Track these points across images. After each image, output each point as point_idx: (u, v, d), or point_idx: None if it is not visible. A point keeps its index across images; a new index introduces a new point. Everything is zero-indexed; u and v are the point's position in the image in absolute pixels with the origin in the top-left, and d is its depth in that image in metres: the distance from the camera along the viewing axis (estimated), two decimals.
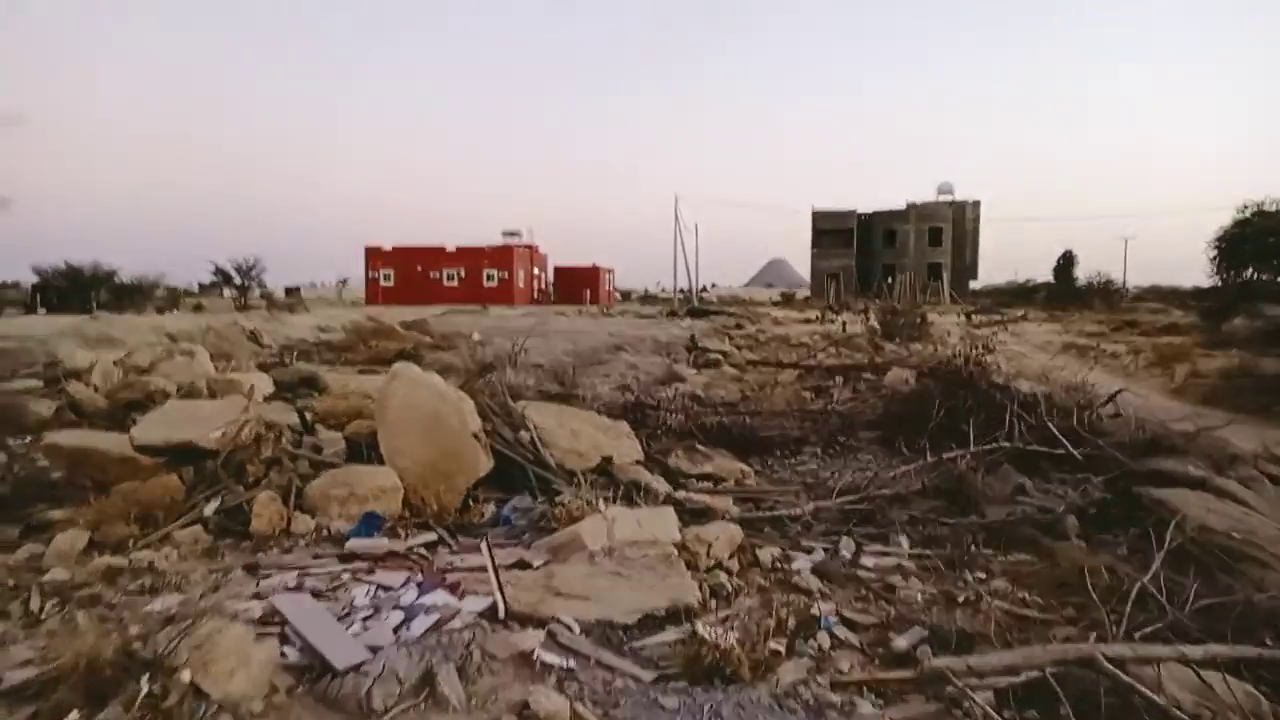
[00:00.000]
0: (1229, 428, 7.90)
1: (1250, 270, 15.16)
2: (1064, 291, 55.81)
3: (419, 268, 55.36)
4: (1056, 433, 7.72)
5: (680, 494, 6.38)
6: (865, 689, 3.56)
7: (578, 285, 59.40)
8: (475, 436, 6.35)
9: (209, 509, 5.64)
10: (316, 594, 4.28)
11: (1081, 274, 58.86)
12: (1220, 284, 16.30)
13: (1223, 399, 13.92)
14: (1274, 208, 15.08)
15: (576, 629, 3.96)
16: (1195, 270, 65.89)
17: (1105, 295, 52.49)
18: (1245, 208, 15.17)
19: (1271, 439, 8.01)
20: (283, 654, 3.55)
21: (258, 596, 4.30)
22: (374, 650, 3.51)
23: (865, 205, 68.81)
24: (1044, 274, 63.99)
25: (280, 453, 6.40)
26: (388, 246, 56.74)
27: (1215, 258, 15.49)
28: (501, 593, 4.14)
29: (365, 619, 3.92)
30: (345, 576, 4.58)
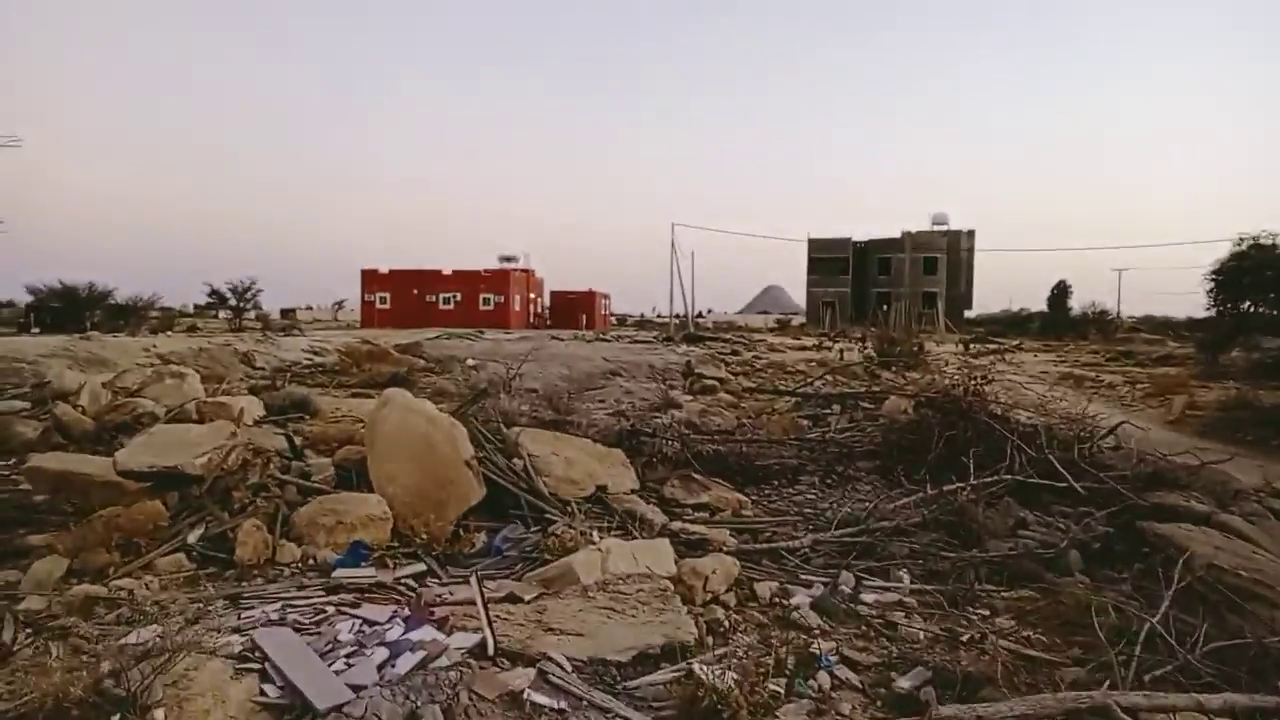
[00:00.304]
0: (1230, 462, 7.79)
1: (1247, 303, 15.19)
2: (1059, 321, 55.90)
3: (415, 291, 55.28)
4: (1058, 465, 7.61)
5: (676, 525, 6.25)
6: None
7: (574, 310, 59.39)
8: (467, 464, 6.23)
9: (193, 536, 5.51)
10: (299, 628, 4.13)
11: (1076, 304, 59.05)
12: (1216, 315, 16.31)
13: (1221, 432, 13.83)
14: (1270, 241, 15.16)
15: (568, 667, 3.81)
16: (1187, 301, 66.08)
17: (1100, 325, 52.56)
18: (1242, 241, 15.26)
19: (1273, 473, 7.92)
20: (262, 692, 3.41)
21: (238, 630, 4.15)
22: (357, 690, 3.37)
23: (860, 234, 69.17)
24: (1038, 303, 64.20)
25: (267, 479, 6.27)
26: (384, 269, 56.74)
27: (1212, 290, 15.52)
28: (491, 629, 4.00)
29: (349, 655, 3.77)
30: (329, 609, 4.43)
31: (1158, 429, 12.03)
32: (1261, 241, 15.19)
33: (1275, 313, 14.88)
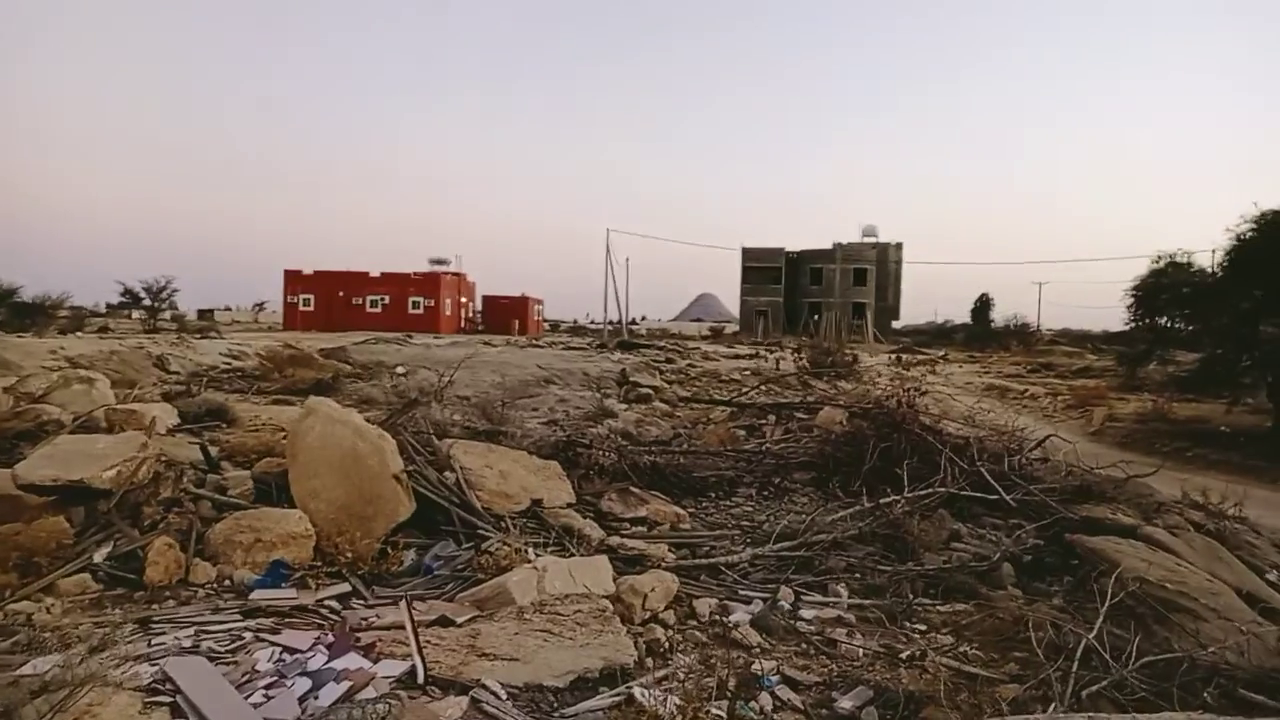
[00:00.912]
0: (1154, 475, 8.03)
1: (1164, 318, 15.85)
2: (982, 333, 57.62)
3: (340, 293, 53.88)
4: (989, 477, 7.72)
5: (614, 540, 6.11)
6: None
7: (506, 315, 58.67)
8: (396, 478, 5.97)
9: (99, 555, 5.13)
10: (214, 657, 3.85)
11: (998, 316, 60.98)
12: (1135, 330, 16.97)
13: (1139, 443, 14.39)
14: (1185, 260, 15.87)
15: (503, 695, 3.64)
16: (1103, 315, 68.82)
17: (1021, 337, 54.31)
18: (1160, 259, 15.91)
19: (1192, 485, 8.16)
20: None
21: (148, 659, 3.85)
22: None
23: (793, 244, 70.16)
24: (962, 315, 66.14)
25: (180, 493, 5.92)
26: (308, 270, 55.22)
27: (1132, 305, 16.14)
28: (421, 655, 3.80)
29: (268, 687, 3.52)
30: (247, 636, 4.16)
31: (1083, 441, 12.39)
32: (1178, 260, 15.86)
33: (1190, 328, 15.53)
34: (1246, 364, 14.84)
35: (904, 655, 4.55)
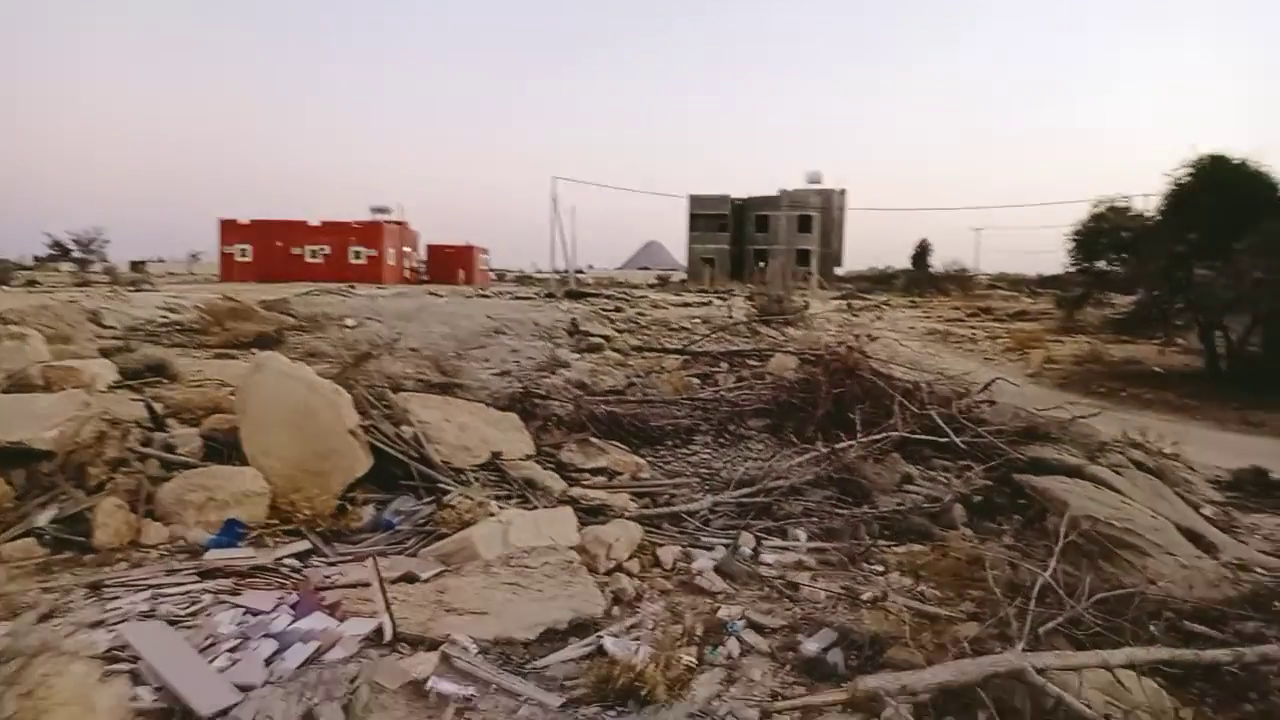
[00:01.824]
0: (1098, 416, 8.28)
1: (1102, 262, 16.26)
2: (921, 278, 58.56)
3: (279, 243, 52.30)
4: (939, 421, 7.87)
5: (576, 491, 6.10)
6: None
7: (451, 265, 57.70)
8: (351, 432, 5.85)
9: (43, 518, 4.94)
10: (173, 621, 3.76)
11: (937, 262, 61.99)
12: (1072, 273, 17.41)
13: (1076, 384, 14.83)
14: (1124, 205, 16.23)
15: (473, 649, 3.62)
16: (1037, 259, 70.42)
17: (960, 282, 55.36)
18: (1099, 204, 16.25)
19: (1132, 425, 8.45)
20: (135, 697, 3.07)
21: (102, 624, 3.74)
22: (244, 689, 3.08)
23: (739, 191, 70.04)
24: (902, 261, 67.10)
25: (127, 452, 5.71)
26: (245, 220, 53.46)
27: (1072, 249, 16.51)
28: (390, 613, 3.76)
29: (231, 650, 3.45)
30: (206, 598, 4.06)
31: (1024, 384, 12.72)
32: (1117, 205, 16.22)
33: (1126, 272, 15.96)
34: (1179, 307, 15.34)
35: (865, 597, 4.65)
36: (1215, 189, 14.01)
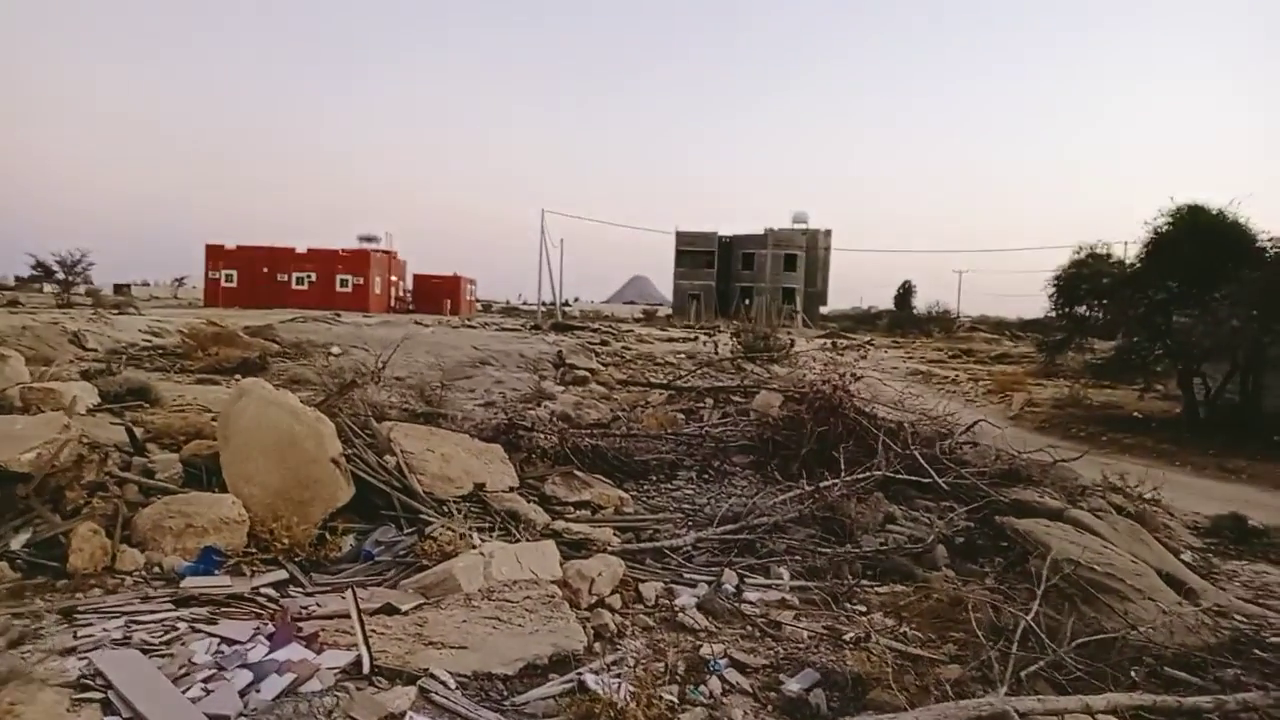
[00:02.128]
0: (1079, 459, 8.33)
1: (1083, 307, 16.46)
2: (905, 319, 59.00)
3: (265, 269, 52.09)
4: (922, 461, 7.90)
5: (559, 524, 6.07)
6: None
7: (438, 295, 57.61)
8: (334, 461, 5.80)
9: (17, 542, 4.86)
10: (147, 649, 3.68)
11: (920, 303, 62.56)
12: (1053, 317, 17.61)
13: (1056, 427, 14.94)
14: (1105, 252, 16.47)
15: (452, 684, 3.57)
16: (1018, 303, 71.08)
17: (943, 324, 55.83)
18: (1080, 250, 16.50)
19: (1110, 469, 8.50)
20: None
21: (74, 651, 3.66)
22: None
23: (726, 229, 70.62)
24: (885, 301, 67.70)
25: (105, 477, 5.64)
26: (231, 245, 53.28)
27: (1053, 294, 16.70)
28: (367, 645, 3.70)
29: (206, 680, 3.39)
30: (181, 626, 3.99)
31: (1011, 427, 12.80)
32: (1098, 251, 16.46)
33: (1107, 317, 16.14)
34: (1159, 353, 15.51)
35: (848, 637, 4.63)
36: (1194, 238, 14.24)
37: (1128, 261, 16.34)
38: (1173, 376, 15.99)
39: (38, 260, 44.95)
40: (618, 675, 3.88)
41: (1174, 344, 14.72)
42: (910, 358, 32.10)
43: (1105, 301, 15.91)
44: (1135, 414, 16.22)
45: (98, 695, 3.21)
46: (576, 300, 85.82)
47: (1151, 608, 4.87)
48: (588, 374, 15.76)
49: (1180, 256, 14.38)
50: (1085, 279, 16.07)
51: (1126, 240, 17.57)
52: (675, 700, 3.72)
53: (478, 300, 68.48)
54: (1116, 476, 8.17)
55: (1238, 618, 5.32)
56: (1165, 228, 14.98)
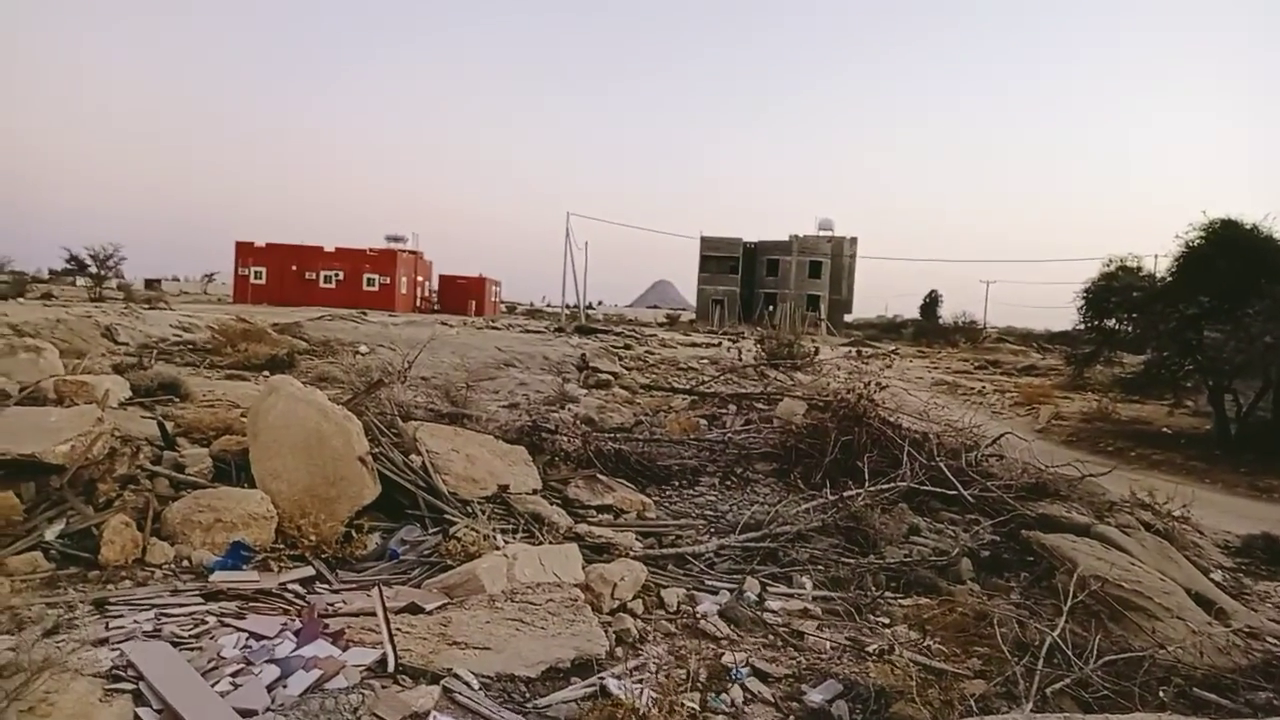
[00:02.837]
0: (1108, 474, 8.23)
1: (1112, 320, 16.27)
2: (930, 328, 58.57)
3: (293, 267, 52.62)
4: (947, 473, 7.85)
5: (582, 528, 6.08)
6: None
7: (463, 295, 57.92)
8: (361, 460, 5.86)
9: (51, 533, 4.94)
10: (177, 642, 3.73)
11: (945, 312, 62.09)
12: (1081, 330, 17.42)
13: (1084, 441, 14.77)
14: (1135, 264, 16.30)
15: (475, 684, 3.59)
16: (1044, 314, 70.35)
17: (969, 334, 55.34)
18: (1110, 262, 16.32)
19: (1138, 485, 8.40)
20: (137, 718, 3.05)
21: (106, 642, 3.72)
22: (246, 714, 3.06)
23: (750, 235, 70.46)
24: (910, 310, 67.30)
25: (136, 470, 5.72)
26: (260, 243, 53.86)
27: (1082, 307, 16.53)
28: (392, 643, 3.73)
29: (234, 674, 3.43)
30: (210, 620, 4.04)
31: (1038, 440, 12.68)
32: (1127, 264, 16.28)
33: (1136, 331, 15.95)
34: (1189, 368, 15.30)
35: (871, 649, 4.60)
36: (1227, 252, 14.04)
37: (1158, 275, 16.15)
38: (1203, 392, 15.77)
39: (71, 254, 45.60)
40: (640, 681, 3.88)
41: (1205, 360, 14.51)
42: (936, 368, 31.83)
43: (1135, 315, 15.72)
44: (1164, 429, 16.01)
45: (129, 686, 3.25)
46: (600, 303, 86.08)
47: (1180, 627, 4.81)
48: (611, 378, 15.79)
49: (1212, 271, 14.19)
50: (1115, 292, 15.89)
51: (1157, 253, 17.36)
52: (697, 708, 3.72)
53: (502, 302, 68.80)
54: (1145, 492, 8.07)
55: (1270, 640, 5.23)
56: (1197, 241, 14.79)
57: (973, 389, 23.28)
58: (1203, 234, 14.78)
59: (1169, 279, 15.44)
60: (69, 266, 46.62)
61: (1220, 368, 14.10)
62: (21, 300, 24.65)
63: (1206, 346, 14.47)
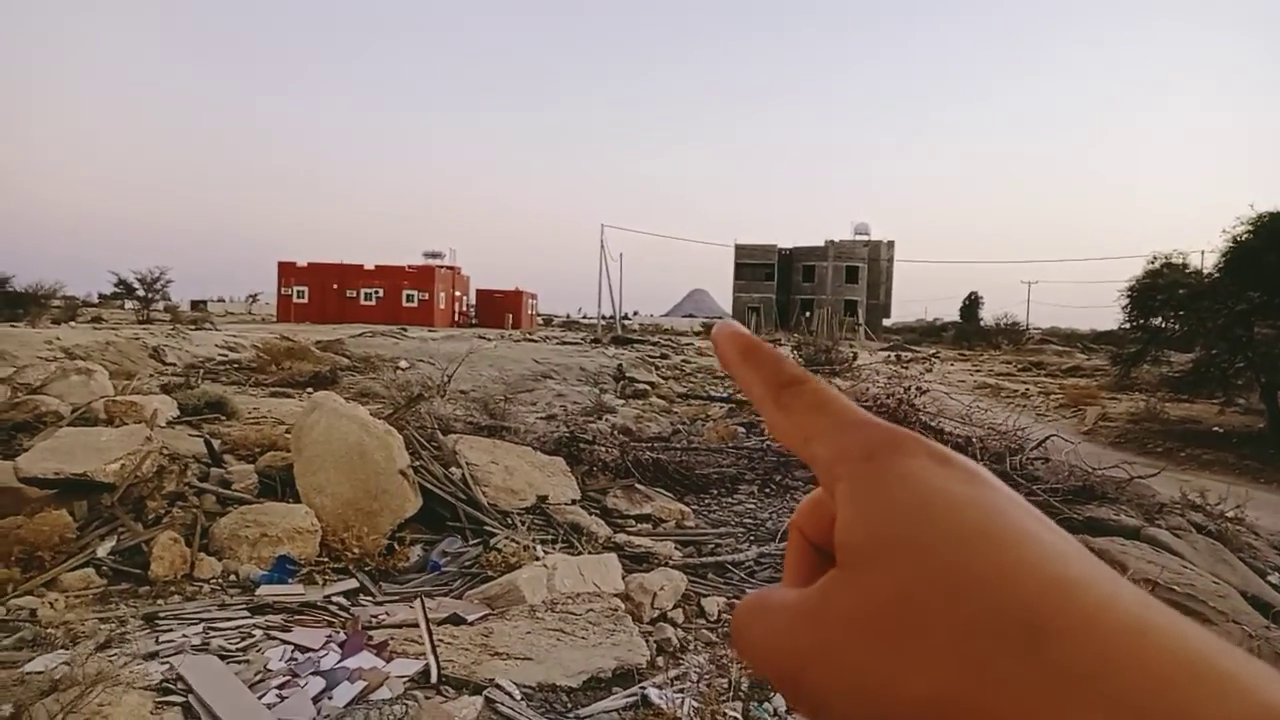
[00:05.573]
0: (1156, 476, 8.04)
1: (1159, 319, 15.91)
2: (971, 331, 57.80)
3: (335, 285, 53.69)
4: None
5: (621, 537, 6.09)
6: None
7: (500, 309, 58.59)
8: (402, 473, 5.94)
9: (103, 550, 5.09)
10: (224, 655, 3.82)
11: (987, 314, 61.20)
12: (1127, 329, 17.06)
13: (1132, 443, 14.43)
14: (1180, 261, 15.94)
15: (517, 695, 3.62)
16: (1088, 314, 69.12)
17: (1011, 336, 54.52)
18: (1155, 259, 15.97)
19: (1188, 486, 8.19)
20: None
21: (156, 656, 3.81)
22: None
23: (786, 241, 70.34)
24: (951, 313, 66.47)
25: (184, 487, 5.86)
26: (302, 262, 54.99)
27: (1127, 305, 16.19)
28: (435, 655, 3.78)
29: (281, 686, 3.50)
30: (257, 633, 4.12)
31: (1084, 442, 12.43)
32: (1173, 261, 15.93)
33: (1183, 329, 15.59)
34: (1240, 365, 14.90)
35: None
36: (1276, 246, 13.68)
37: (1205, 271, 15.78)
38: (1255, 390, 15.33)
39: (120, 278, 46.89)
40: (681, 690, 3.87)
41: (1256, 357, 14.11)
42: (978, 371, 31.39)
43: (1182, 313, 15.35)
44: (1215, 429, 15.60)
45: (179, 699, 3.33)
46: (636, 314, 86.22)
47: (1236, 631, 4.68)
48: (648, 387, 15.81)
49: (1261, 265, 13.81)
50: (1161, 289, 15.53)
51: (1203, 249, 16.96)
52: (739, 717, 3.70)
53: (539, 314, 69.32)
54: (1196, 494, 7.86)
55: None
56: (1245, 236, 14.42)
57: (1016, 391, 22.89)
58: (1250, 228, 14.41)
59: (1216, 275, 15.06)
60: (117, 290, 47.94)
61: (1272, 364, 13.71)
62: (73, 324, 25.39)
63: (1257, 343, 14.08)
